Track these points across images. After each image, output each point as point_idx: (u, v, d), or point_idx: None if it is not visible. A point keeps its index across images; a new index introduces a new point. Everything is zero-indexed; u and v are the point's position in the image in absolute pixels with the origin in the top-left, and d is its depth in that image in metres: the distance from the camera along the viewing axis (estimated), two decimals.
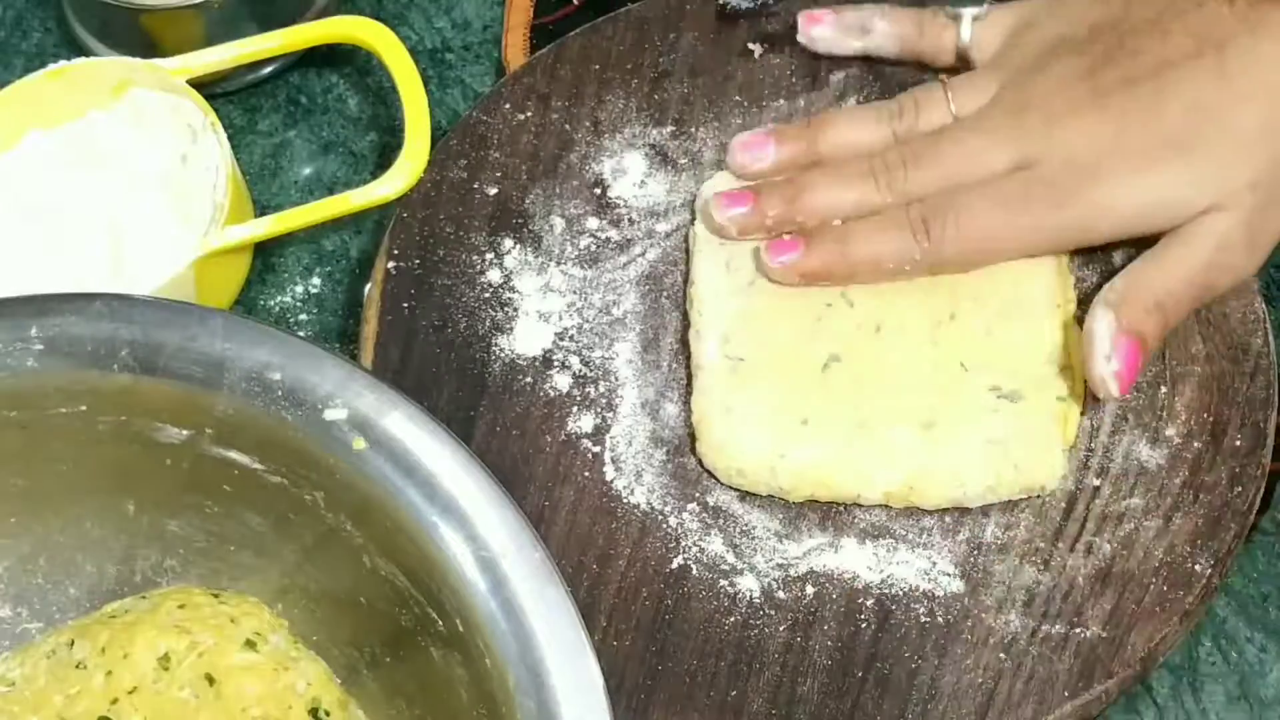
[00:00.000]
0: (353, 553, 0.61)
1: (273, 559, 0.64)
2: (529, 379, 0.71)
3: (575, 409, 0.70)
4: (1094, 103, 0.67)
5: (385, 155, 0.82)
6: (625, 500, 0.69)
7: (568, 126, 0.76)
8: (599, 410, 0.70)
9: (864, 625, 0.66)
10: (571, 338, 0.72)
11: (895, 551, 0.67)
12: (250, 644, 0.63)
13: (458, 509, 0.58)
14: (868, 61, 0.75)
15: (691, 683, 0.65)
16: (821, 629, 0.66)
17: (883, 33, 0.74)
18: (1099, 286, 0.70)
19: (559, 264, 0.73)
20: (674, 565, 0.67)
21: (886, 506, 0.67)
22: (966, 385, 0.68)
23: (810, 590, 0.66)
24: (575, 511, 0.68)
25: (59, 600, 0.66)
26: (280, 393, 0.60)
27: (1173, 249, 0.67)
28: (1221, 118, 0.66)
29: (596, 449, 0.69)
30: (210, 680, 0.62)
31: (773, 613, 0.66)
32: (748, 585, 0.67)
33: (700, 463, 0.69)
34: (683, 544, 0.68)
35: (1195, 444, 0.68)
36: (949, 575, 0.66)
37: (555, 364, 0.71)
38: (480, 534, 0.57)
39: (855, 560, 0.67)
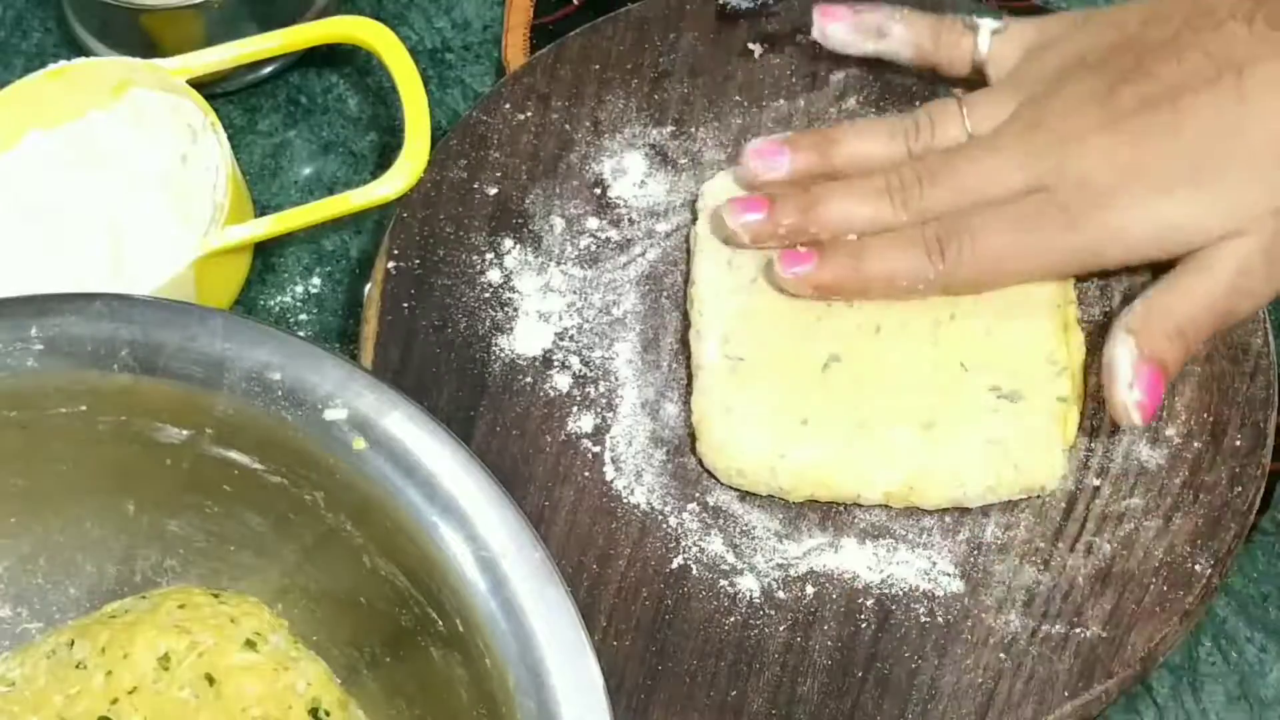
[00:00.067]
0: (353, 553, 0.61)
1: (273, 559, 0.64)
2: (529, 379, 0.71)
3: (575, 409, 0.70)
4: (1110, 125, 0.66)
5: (385, 155, 0.82)
6: (625, 500, 0.68)
7: (568, 126, 0.76)
8: (599, 410, 0.70)
9: (864, 625, 0.66)
10: (571, 338, 0.72)
11: (895, 551, 0.67)
12: (250, 644, 0.63)
13: (458, 509, 0.58)
14: (868, 62, 0.75)
15: (691, 683, 0.65)
16: (821, 629, 0.66)
17: (899, 38, 0.73)
18: (1099, 287, 0.70)
19: (559, 264, 0.73)
20: (674, 565, 0.67)
21: (886, 506, 0.67)
22: (966, 385, 0.67)
23: (810, 590, 0.66)
24: (575, 511, 0.68)
25: (59, 600, 0.66)
26: (280, 393, 0.60)
27: (1193, 274, 0.66)
28: (1239, 142, 0.65)
29: (596, 449, 0.69)
30: (210, 680, 0.62)
31: (773, 613, 0.66)
32: (748, 585, 0.67)
33: (700, 463, 0.69)
34: (683, 544, 0.68)
35: (1195, 444, 0.68)
36: (949, 575, 0.66)
37: (555, 364, 0.71)
38: (480, 534, 0.57)
39: (855, 560, 0.67)
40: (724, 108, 0.76)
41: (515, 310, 0.72)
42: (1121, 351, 0.65)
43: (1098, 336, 0.69)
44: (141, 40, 0.80)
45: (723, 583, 0.67)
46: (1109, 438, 0.68)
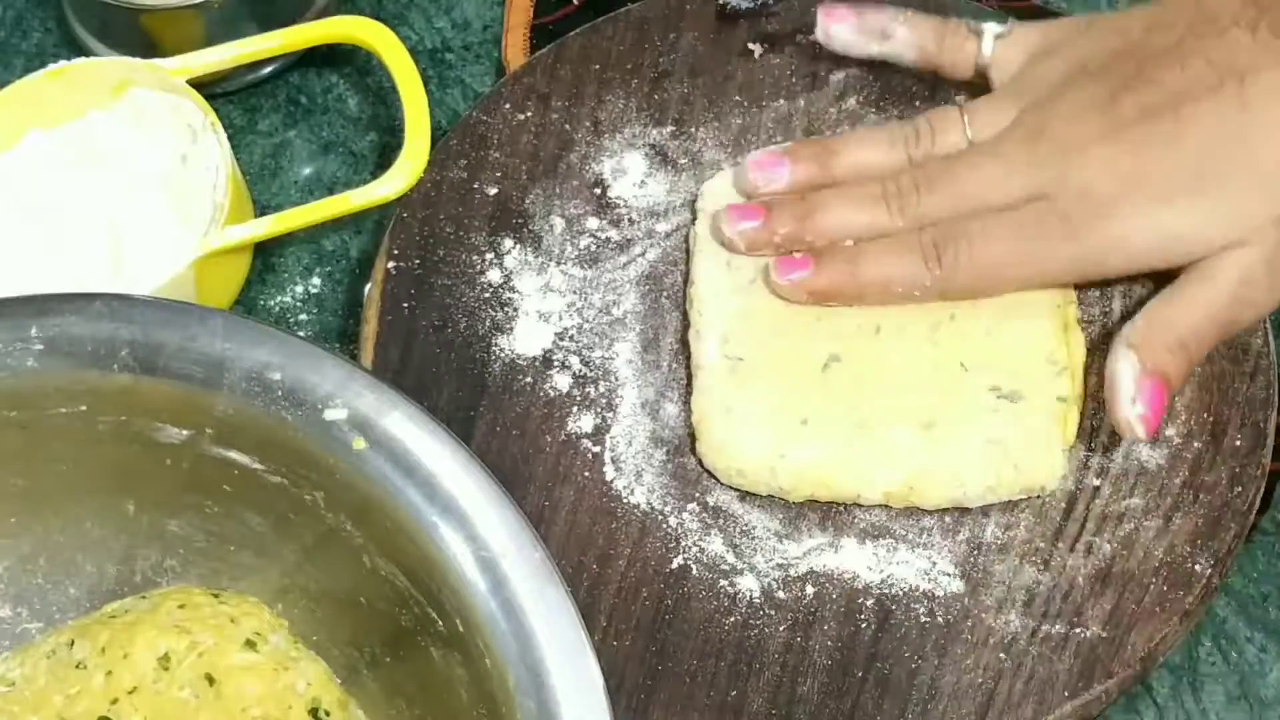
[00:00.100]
0: (353, 553, 0.61)
1: (273, 559, 0.64)
2: (529, 379, 0.71)
3: (575, 409, 0.70)
4: (1111, 134, 0.66)
5: (385, 155, 0.82)
6: (625, 500, 0.69)
7: (568, 126, 0.76)
8: (599, 410, 0.70)
9: (864, 625, 0.66)
10: (571, 338, 0.72)
11: (895, 551, 0.67)
12: (250, 644, 0.63)
13: (458, 509, 0.58)
14: (869, 62, 0.75)
15: (691, 683, 0.65)
16: (821, 629, 0.66)
17: (902, 40, 0.73)
18: (1099, 288, 0.70)
19: (559, 264, 0.73)
20: (674, 565, 0.67)
21: (886, 506, 0.67)
22: (966, 385, 0.67)
23: (810, 590, 0.66)
24: (575, 511, 0.68)
25: (59, 600, 0.66)
26: (280, 393, 0.60)
27: (1195, 285, 0.66)
28: (1241, 152, 0.65)
29: (596, 449, 0.69)
30: (210, 680, 0.62)
31: (773, 613, 0.66)
32: (748, 585, 0.67)
33: (700, 463, 0.69)
34: (683, 544, 0.68)
35: (1195, 444, 0.68)
36: (949, 575, 0.66)
37: (555, 364, 0.71)
38: (480, 534, 0.57)
39: (855, 560, 0.67)
40: (724, 108, 0.76)
41: (515, 310, 0.72)
42: (1124, 366, 0.65)
43: (1098, 336, 0.69)
44: (141, 40, 0.80)
45: (723, 583, 0.67)
46: (1109, 438, 0.68)
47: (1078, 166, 0.66)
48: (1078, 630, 0.65)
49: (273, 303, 0.79)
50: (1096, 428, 0.68)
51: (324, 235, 0.80)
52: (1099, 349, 0.68)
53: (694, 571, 0.67)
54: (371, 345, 0.72)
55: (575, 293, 0.73)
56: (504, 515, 0.58)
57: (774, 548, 0.67)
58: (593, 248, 0.74)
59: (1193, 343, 0.65)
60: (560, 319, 0.72)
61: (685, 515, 0.68)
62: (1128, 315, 0.68)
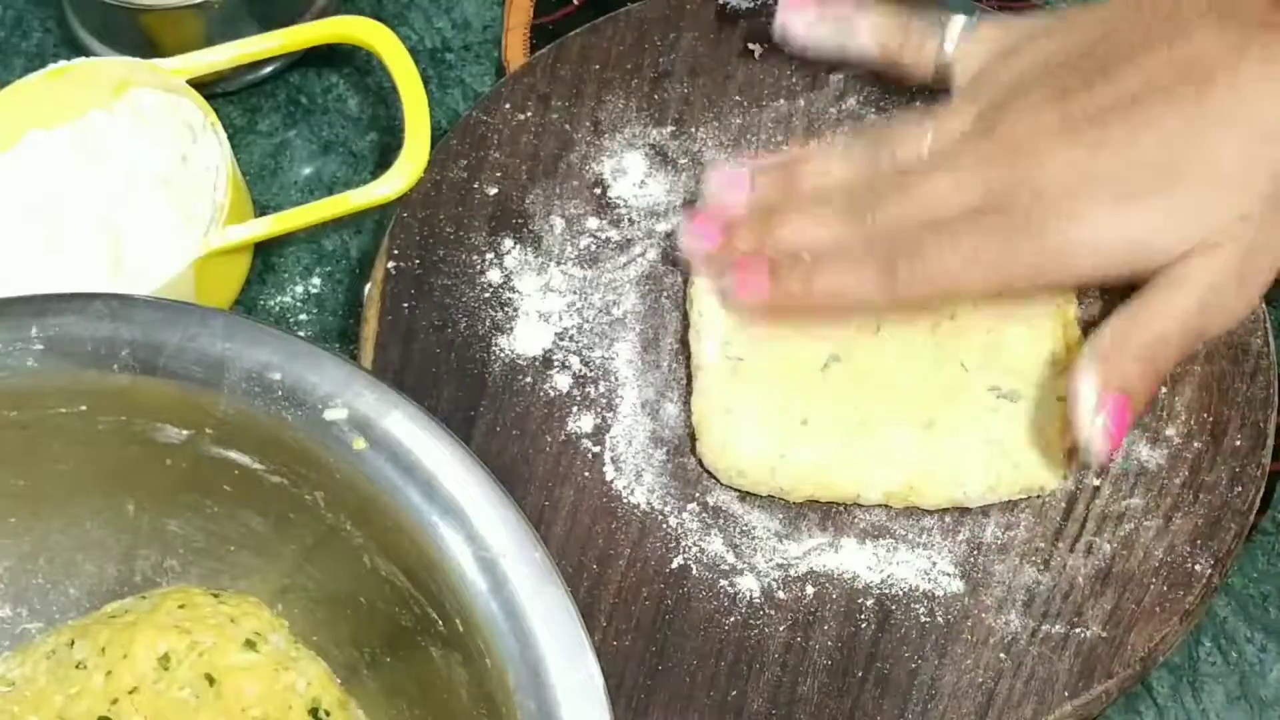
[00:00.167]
0: (353, 553, 0.61)
1: (273, 559, 0.64)
2: (529, 379, 0.71)
3: (575, 409, 0.70)
4: (1066, 133, 0.64)
5: (385, 155, 0.82)
6: (625, 500, 0.69)
7: (568, 126, 0.76)
8: (599, 410, 0.70)
9: (864, 625, 0.66)
10: (571, 338, 0.72)
11: (895, 551, 0.67)
12: (250, 644, 0.63)
13: (458, 509, 0.58)
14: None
15: (691, 683, 0.65)
16: (821, 629, 0.66)
17: (864, 37, 0.71)
18: (1099, 290, 0.70)
19: (559, 264, 0.73)
20: (674, 565, 0.67)
21: (886, 507, 0.67)
22: (966, 385, 0.67)
23: (810, 590, 0.66)
24: (575, 511, 0.68)
25: (59, 600, 0.66)
26: (280, 393, 0.60)
27: (1161, 292, 0.64)
28: (1200, 151, 0.62)
29: (596, 449, 0.69)
30: (210, 680, 0.62)
31: (773, 613, 0.66)
32: (748, 585, 0.67)
33: (700, 463, 0.69)
34: (683, 544, 0.68)
35: (1195, 444, 0.68)
36: (949, 575, 0.66)
37: (555, 364, 0.71)
38: (480, 534, 0.57)
39: (855, 560, 0.67)
40: (724, 108, 0.76)
41: (515, 310, 0.72)
42: (1085, 384, 0.63)
43: None
44: (141, 40, 0.80)
45: (723, 583, 0.67)
46: None
47: (1032, 168, 0.64)
48: (1078, 630, 0.65)
49: (273, 303, 0.79)
50: None
51: (324, 235, 0.80)
52: None
53: (694, 571, 0.67)
54: (371, 345, 0.72)
55: (575, 293, 0.73)
56: (504, 515, 0.58)
57: (774, 548, 0.67)
58: (593, 248, 0.74)
59: (1159, 351, 0.64)
60: (560, 319, 0.72)
61: (685, 515, 0.68)
62: None
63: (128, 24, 0.80)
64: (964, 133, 0.66)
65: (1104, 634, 0.65)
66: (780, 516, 0.68)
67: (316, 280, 0.79)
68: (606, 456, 0.69)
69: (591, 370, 0.71)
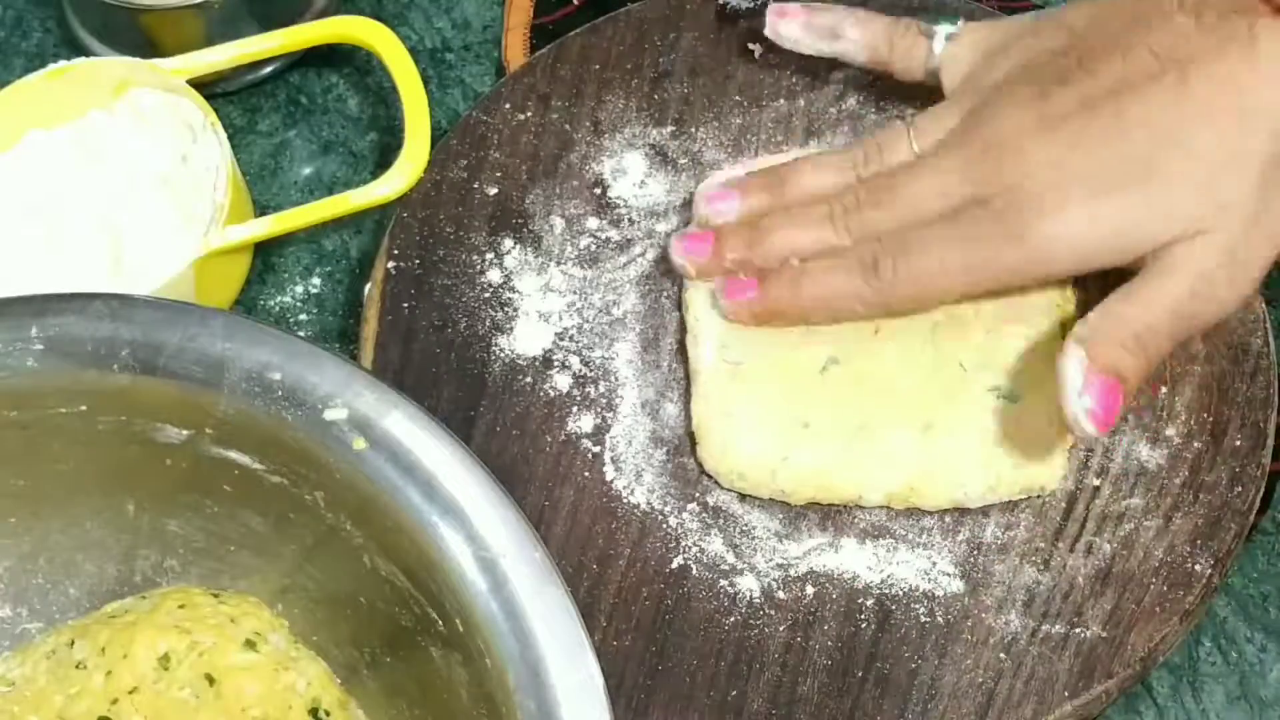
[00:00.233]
0: (353, 553, 0.61)
1: (273, 559, 0.64)
2: (529, 379, 0.71)
3: (575, 409, 0.70)
4: (1046, 128, 0.64)
5: (385, 155, 0.82)
6: (625, 500, 0.69)
7: (568, 126, 0.76)
8: (599, 410, 0.70)
9: (864, 625, 0.66)
10: (571, 338, 0.72)
11: (895, 551, 0.67)
12: (250, 644, 0.63)
13: (458, 509, 0.58)
14: None
15: (691, 683, 0.65)
16: (821, 629, 0.66)
17: (853, 40, 0.72)
18: (1099, 287, 0.70)
19: (559, 264, 0.73)
20: (674, 565, 0.67)
21: (887, 507, 0.67)
22: (966, 386, 0.67)
23: (810, 590, 0.66)
24: (575, 511, 0.68)
25: (59, 600, 0.66)
26: (280, 393, 0.60)
27: (1151, 280, 0.64)
28: (1183, 141, 0.62)
29: (596, 449, 0.69)
30: (210, 680, 0.62)
31: (773, 613, 0.66)
32: (748, 585, 0.67)
33: (701, 466, 0.69)
34: (683, 544, 0.68)
35: (1195, 444, 0.68)
36: (949, 575, 0.66)
37: (555, 364, 0.71)
38: (480, 534, 0.57)
39: (855, 560, 0.67)
40: (724, 108, 0.76)
41: (515, 310, 0.72)
42: (1071, 363, 0.63)
43: None
44: (141, 40, 0.80)
45: (723, 583, 0.67)
46: (1109, 438, 0.68)
47: (1013, 167, 0.64)
48: (1078, 630, 0.65)
49: (273, 303, 0.79)
50: None
51: (324, 235, 0.80)
52: None
53: (694, 571, 0.67)
54: (371, 345, 0.72)
55: (575, 293, 0.73)
56: (504, 515, 0.58)
57: (774, 548, 0.67)
58: (593, 248, 0.74)
59: (1149, 338, 0.63)
60: (560, 319, 0.72)
61: (685, 515, 0.68)
62: None
63: (128, 24, 0.80)
64: (951, 134, 0.67)
65: (1104, 634, 0.65)
66: (780, 516, 0.68)
67: (316, 280, 0.79)
68: (606, 456, 0.69)
69: (591, 370, 0.71)
